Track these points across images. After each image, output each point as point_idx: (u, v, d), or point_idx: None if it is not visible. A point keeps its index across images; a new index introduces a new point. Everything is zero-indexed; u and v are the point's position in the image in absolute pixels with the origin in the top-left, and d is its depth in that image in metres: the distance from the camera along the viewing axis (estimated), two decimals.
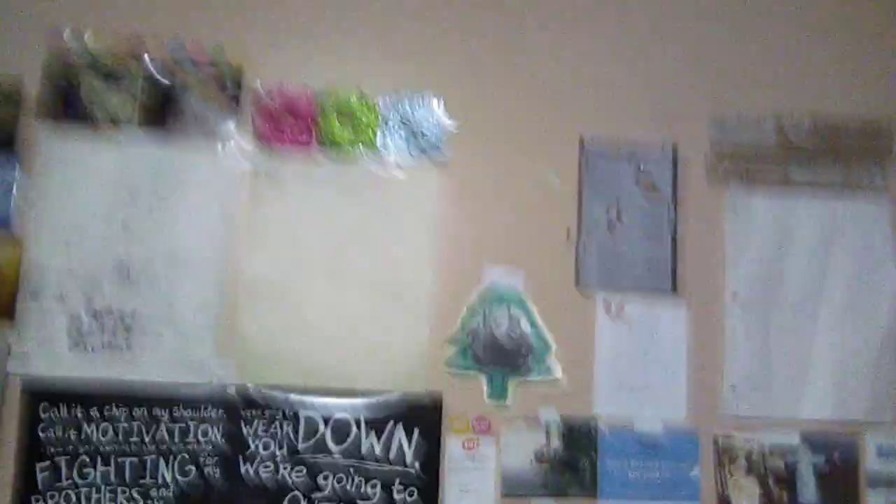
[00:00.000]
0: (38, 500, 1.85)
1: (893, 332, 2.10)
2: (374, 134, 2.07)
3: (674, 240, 2.10)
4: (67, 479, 1.87)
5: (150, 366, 1.95)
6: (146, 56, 2.07)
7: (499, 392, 2.00)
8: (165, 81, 2.07)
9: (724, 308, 2.09)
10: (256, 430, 1.92)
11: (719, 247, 2.11)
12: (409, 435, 1.95)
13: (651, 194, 2.13)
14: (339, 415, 1.94)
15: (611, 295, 2.07)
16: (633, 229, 2.11)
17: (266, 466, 1.91)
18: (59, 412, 1.89)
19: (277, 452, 1.92)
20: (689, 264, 2.10)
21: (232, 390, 1.94)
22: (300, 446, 1.93)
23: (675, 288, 2.08)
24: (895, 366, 2.10)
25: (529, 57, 2.17)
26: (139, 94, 2.06)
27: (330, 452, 1.93)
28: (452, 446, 1.97)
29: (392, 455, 1.93)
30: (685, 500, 1.99)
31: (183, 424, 1.91)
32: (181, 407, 1.92)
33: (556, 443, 1.99)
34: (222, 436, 1.91)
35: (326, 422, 1.94)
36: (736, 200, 2.14)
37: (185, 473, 1.90)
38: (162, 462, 1.90)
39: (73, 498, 1.87)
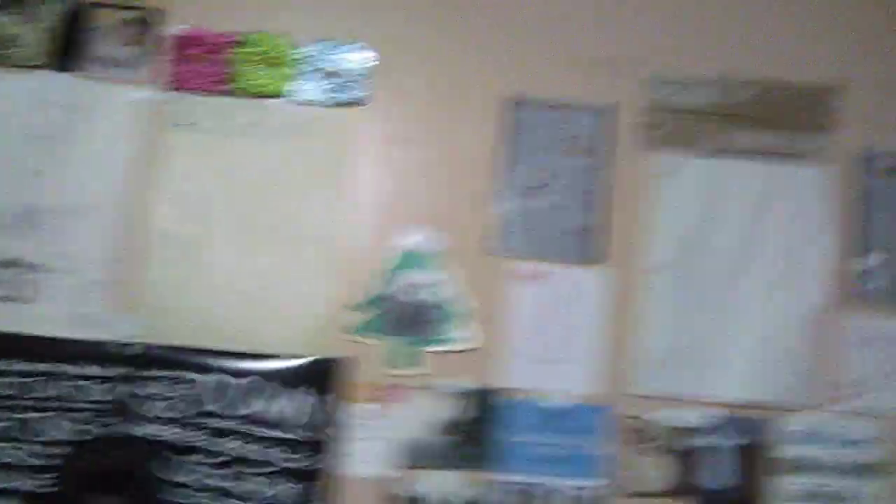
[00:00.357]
0: None
1: (819, 311, 2.02)
2: (293, 81, 1.99)
3: (603, 205, 2.02)
4: None
5: (50, 319, 1.91)
6: None
7: (408, 360, 1.95)
8: (80, 21, 1.99)
9: (648, 279, 2.01)
10: (153, 389, 1.88)
11: (650, 214, 2.03)
12: (312, 400, 1.90)
13: (582, 157, 2.04)
14: (239, 378, 1.90)
15: (532, 262, 2.00)
16: (561, 193, 2.03)
17: (160, 427, 1.87)
18: None
19: (173, 414, 1.88)
20: (616, 231, 2.02)
21: (131, 348, 1.89)
22: (197, 408, 1.89)
23: (599, 256, 2.01)
24: (817, 347, 2.02)
25: (462, 11, 2.06)
26: (53, 33, 1.98)
27: (228, 416, 1.88)
28: (356, 414, 1.92)
29: (293, 420, 1.90)
30: (589, 477, 1.95)
31: (79, 381, 1.87)
32: (78, 363, 1.88)
33: (462, 413, 1.94)
34: (118, 394, 1.87)
35: (226, 383, 1.89)
36: (671, 165, 2.05)
37: (77, 432, 1.86)
38: (54, 419, 1.86)
39: None
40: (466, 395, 1.95)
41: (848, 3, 2.11)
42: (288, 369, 1.90)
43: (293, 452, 1.88)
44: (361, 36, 2.02)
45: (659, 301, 2.01)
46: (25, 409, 1.86)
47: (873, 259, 2.06)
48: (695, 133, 2.06)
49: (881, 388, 2.03)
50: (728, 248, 2.04)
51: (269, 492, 1.87)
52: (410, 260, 1.97)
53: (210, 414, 1.88)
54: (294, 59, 1.99)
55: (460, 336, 1.96)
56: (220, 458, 1.87)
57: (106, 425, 1.87)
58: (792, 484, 1.99)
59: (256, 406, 1.89)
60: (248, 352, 1.91)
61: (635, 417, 1.98)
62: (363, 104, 2.00)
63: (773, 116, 2.07)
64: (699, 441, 1.98)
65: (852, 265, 2.05)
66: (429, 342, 1.95)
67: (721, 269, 2.03)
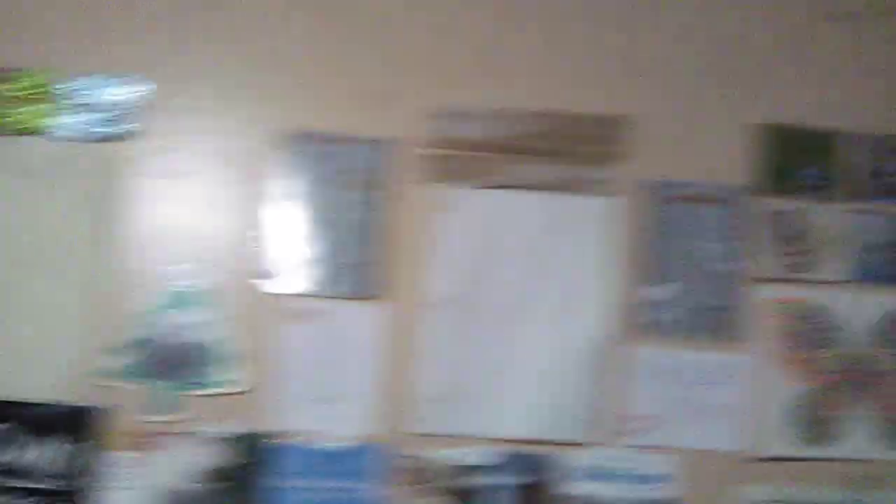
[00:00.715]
0: None
1: (607, 344, 1.98)
2: (57, 116, 1.92)
3: (383, 240, 1.96)
4: None
5: None
6: None
7: (171, 404, 1.88)
8: None
9: (429, 315, 1.96)
10: None
11: (431, 248, 1.98)
12: (67, 449, 1.82)
13: (362, 191, 1.99)
14: None
15: (308, 298, 1.94)
16: (340, 228, 1.97)
17: None
18: None
19: None
20: (396, 266, 1.97)
21: None
22: None
23: (378, 291, 1.95)
24: (606, 381, 1.97)
25: (240, 44, 2.01)
26: None
27: None
28: (115, 463, 1.85)
29: (46, 471, 1.81)
30: None
31: None
32: None
33: (230, 459, 1.87)
34: None
35: None
36: (452, 198, 2.00)
37: None
38: None
39: None
40: (235, 439, 1.88)
41: (637, 35, 2.08)
42: (41, 417, 1.83)
43: None
44: (137, 68, 1.96)
45: (440, 337, 1.95)
46: None
47: (665, 290, 2.02)
48: (477, 166, 2.02)
49: (672, 421, 1.98)
50: (511, 282, 1.99)
51: None
52: (177, 299, 1.90)
53: None
54: (59, 94, 1.93)
55: (229, 378, 1.89)
56: None
57: None
58: None
59: (5, 456, 1.81)
60: None
61: (414, 457, 1.92)
62: (134, 138, 1.94)
63: (561, 148, 2.03)
64: (480, 480, 1.92)
65: (644, 296, 2.01)
66: (195, 385, 1.89)
67: (504, 304, 1.98)
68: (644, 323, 2.00)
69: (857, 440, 2.00)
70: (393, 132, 2.00)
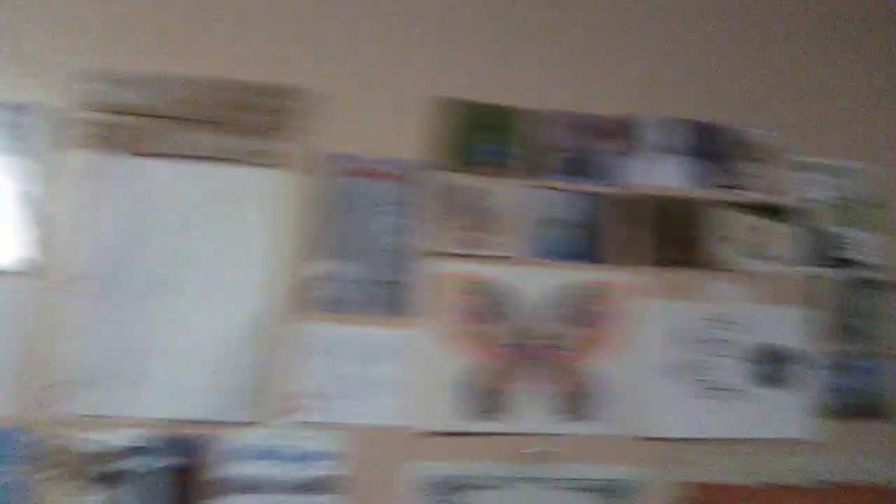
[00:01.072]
0: None
1: (270, 320, 1.92)
2: None
3: (27, 209, 1.84)
4: None
5: None
6: None
7: None
8: None
9: (72, 289, 1.84)
10: None
11: (76, 218, 1.86)
12: None
13: (4, 157, 1.86)
14: None
15: None
16: None
17: None
18: None
19: None
20: (41, 238, 1.84)
21: None
22: None
23: (17, 265, 1.82)
24: (269, 358, 1.91)
25: None
26: None
27: None
28: None
29: None
30: None
31: None
32: None
33: None
34: None
35: None
36: (103, 167, 1.89)
37: None
38: None
39: None
40: None
41: (316, 3, 2.04)
42: None
43: None
44: None
45: (84, 313, 1.85)
46: None
47: (337, 265, 1.98)
48: (134, 133, 1.93)
49: (341, 398, 1.94)
50: (165, 257, 1.90)
51: None
52: None
53: None
54: None
55: None
56: None
57: None
58: None
59: None
60: None
61: (55, 440, 1.80)
62: None
63: (227, 118, 1.97)
64: (126, 464, 1.82)
65: (314, 271, 1.96)
66: None
67: (157, 279, 1.89)
68: (314, 298, 1.96)
69: (528, 414, 2.01)
70: (43, 96, 1.88)
